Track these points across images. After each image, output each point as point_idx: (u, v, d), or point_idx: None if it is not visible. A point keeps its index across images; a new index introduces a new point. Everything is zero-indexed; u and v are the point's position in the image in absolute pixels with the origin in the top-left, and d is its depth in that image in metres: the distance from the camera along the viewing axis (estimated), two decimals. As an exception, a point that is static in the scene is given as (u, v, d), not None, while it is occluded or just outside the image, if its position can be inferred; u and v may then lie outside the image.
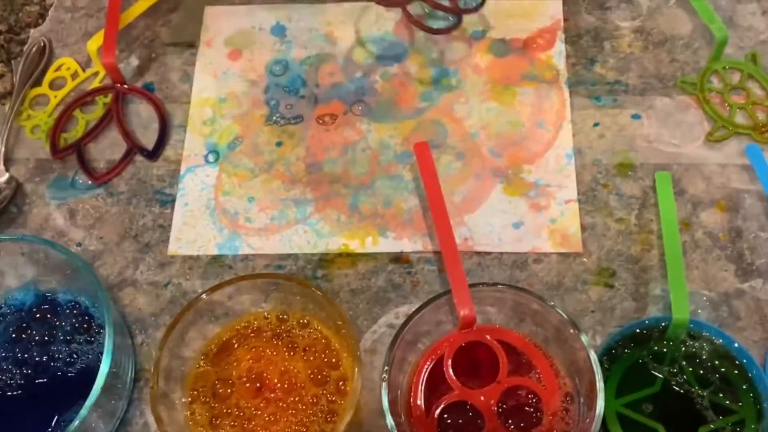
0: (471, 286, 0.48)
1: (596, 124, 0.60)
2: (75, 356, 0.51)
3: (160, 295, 0.55)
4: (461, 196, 0.57)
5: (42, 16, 0.68)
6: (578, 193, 0.57)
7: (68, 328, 0.52)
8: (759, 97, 0.59)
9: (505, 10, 0.65)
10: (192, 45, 0.66)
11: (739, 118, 0.58)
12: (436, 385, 0.48)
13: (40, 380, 0.50)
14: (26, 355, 0.51)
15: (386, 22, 0.65)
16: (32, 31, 0.67)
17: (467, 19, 0.64)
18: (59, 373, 0.51)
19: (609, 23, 0.64)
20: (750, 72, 0.60)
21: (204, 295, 0.49)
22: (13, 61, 0.66)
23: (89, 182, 0.60)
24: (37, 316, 0.53)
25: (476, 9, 0.63)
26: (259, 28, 0.66)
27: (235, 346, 0.51)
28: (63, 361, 0.51)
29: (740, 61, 0.61)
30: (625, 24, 0.64)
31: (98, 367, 0.46)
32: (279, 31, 0.66)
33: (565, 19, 0.64)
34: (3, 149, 0.61)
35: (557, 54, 0.62)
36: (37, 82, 0.64)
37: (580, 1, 0.65)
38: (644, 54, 0.62)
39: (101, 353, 0.47)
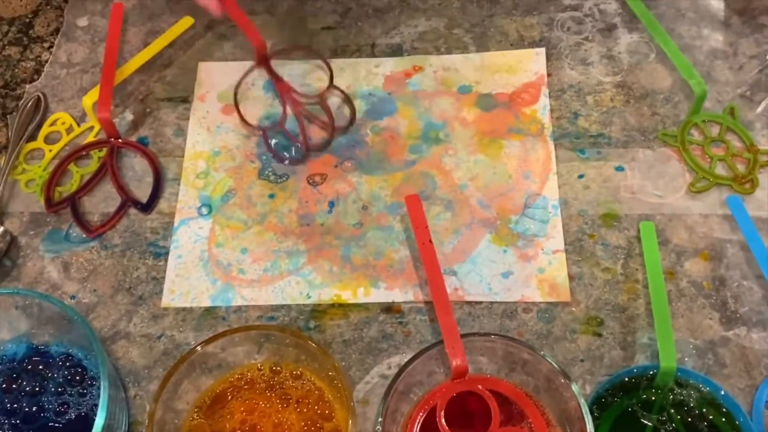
0: (463, 336, 0.49)
1: (581, 176, 0.61)
2: (67, 407, 0.51)
3: (154, 347, 0.55)
4: (451, 246, 0.58)
5: (37, 71, 0.69)
6: (565, 243, 0.58)
7: (60, 379, 0.52)
8: (738, 149, 0.61)
9: (490, 66, 0.66)
10: (186, 100, 0.67)
11: (720, 170, 0.60)
12: None
13: (30, 431, 0.50)
14: (15, 406, 0.51)
15: (376, 77, 0.67)
16: (27, 86, 0.68)
17: (455, 75, 0.66)
18: (50, 424, 0.50)
19: (591, 78, 0.65)
20: (728, 125, 0.62)
21: (198, 348, 0.50)
22: (8, 116, 0.66)
23: (83, 235, 0.60)
24: (29, 367, 0.53)
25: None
26: (251, 83, 0.67)
27: (229, 398, 0.51)
28: (53, 411, 0.51)
29: (719, 114, 0.62)
30: (607, 79, 0.65)
31: (90, 418, 0.46)
32: (271, 86, 0.67)
33: (549, 75, 0.66)
34: None
35: (542, 108, 0.64)
36: (33, 137, 0.65)
37: (563, 57, 0.67)
38: (626, 108, 0.64)
39: (95, 405, 0.47)
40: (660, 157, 0.61)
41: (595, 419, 0.49)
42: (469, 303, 0.56)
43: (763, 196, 0.59)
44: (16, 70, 0.70)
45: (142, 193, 0.62)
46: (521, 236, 0.58)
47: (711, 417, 0.49)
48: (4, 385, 0.52)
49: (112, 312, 0.57)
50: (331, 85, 0.64)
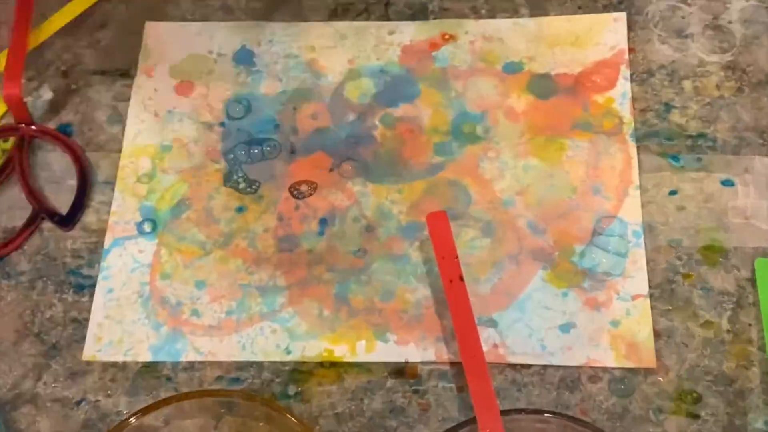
0: (503, 413, 0.48)
1: (673, 192, 0.61)
2: None
3: (71, 416, 0.55)
4: (490, 286, 0.58)
5: None
6: (650, 286, 0.57)
7: None
8: None
9: (549, 36, 0.67)
10: (126, 74, 0.67)
11: None
12: None
13: None
14: None
15: (390, 48, 0.67)
16: None
17: (500, 47, 0.66)
18: None
19: (691, 56, 0.66)
20: None
21: (131, 419, 0.50)
22: None
23: None
24: None
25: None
26: (218, 53, 0.68)
27: None
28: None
29: None
30: (712, 58, 0.66)
31: None
32: (245, 58, 0.68)
33: (631, 50, 0.66)
34: None
35: (620, 96, 0.64)
36: None
37: (651, 25, 0.67)
38: (738, 98, 0.64)
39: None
40: None
41: None
42: (513, 366, 0.56)
43: None
44: None
45: (62, 202, 0.63)
46: (589, 274, 0.58)
47: None
48: None
49: (14, 366, 0.57)
50: None
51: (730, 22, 0.67)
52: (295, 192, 0.62)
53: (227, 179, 0.63)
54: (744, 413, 0.54)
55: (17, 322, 0.59)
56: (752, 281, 0.57)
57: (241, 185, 0.63)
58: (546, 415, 0.50)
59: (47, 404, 0.56)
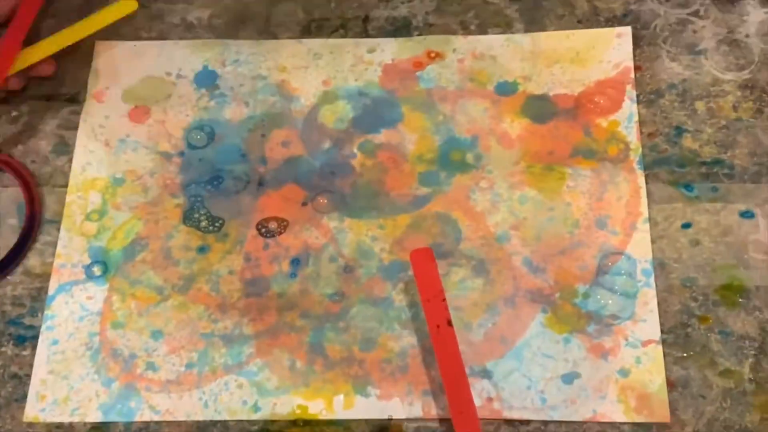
0: None
1: (687, 225, 0.61)
2: None
3: None
4: (482, 332, 0.58)
5: None
6: (662, 331, 0.57)
7: None
8: None
9: (547, 53, 0.67)
10: (74, 99, 0.68)
11: None
12: None
13: None
14: None
15: (369, 68, 0.68)
16: None
17: (493, 66, 0.67)
18: None
19: (704, 74, 0.66)
20: None
21: None
22: None
23: None
24: None
25: None
26: (177, 74, 0.68)
27: None
28: None
29: None
30: (728, 76, 0.66)
31: None
32: (207, 79, 0.68)
33: (638, 68, 0.66)
34: None
35: (626, 119, 0.64)
36: None
37: (660, 41, 0.67)
38: (758, 120, 0.64)
39: None
40: None
41: None
42: (510, 422, 0.56)
43: None
44: None
45: (1, 243, 0.62)
46: (594, 318, 0.58)
47: None
48: None
49: None
50: None
51: (747, 36, 0.67)
52: (264, 229, 0.62)
53: (187, 217, 0.63)
54: None
55: None
56: None
57: (203, 223, 0.63)
58: None
59: None
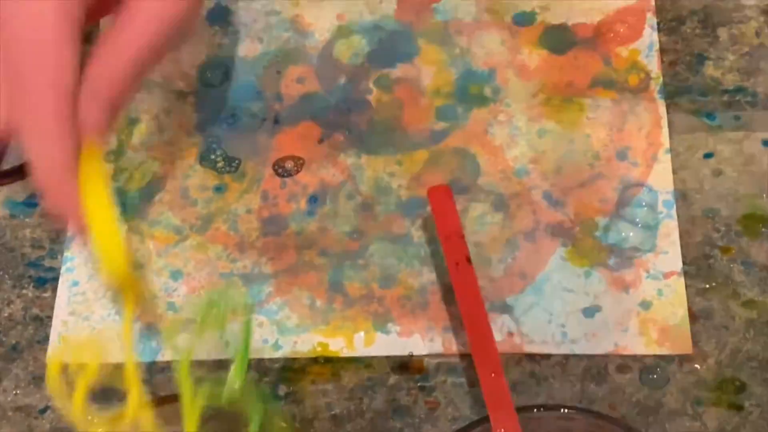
0: (520, 410, 0.49)
1: (709, 155, 0.61)
2: None
3: (35, 426, 0.56)
4: (502, 267, 0.58)
5: None
6: (684, 263, 0.58)
7: None
8: None
9: (565, -20, 0.67)
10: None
11: None
12: None
13: None
14: None
15: (384, 1, 0.67)
16: None
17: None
18: None
19: (726, 0, 0.65)
20: None
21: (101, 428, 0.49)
22: None
23: None
24: None
25: None
26: (190, 12, 0.68)
27: None
28: None
29: None
30: (750, 2, 0.65)
31: None
32: (220, 16, 0.68)
33: (659, -6, 0.66)
34: None
35: (646, 48, 0.64)
36: None
37: (680, -33, 0.67)
38: (783, 45, 0.64)
39: None
40: None
41: None
42: (531, 357, 0.56)
43: None
44: None
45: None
46: (615, 251, 0.58)
47: None
48: None
49: None
50: None
51: None
52: (281, 169, 0.63)
53: (204, 158, 0.63)
54: None
55: None
56: None
57: (219, 164, 0.63)
58: (569, 411, 0.50)
59: (8, 414, 0.56)
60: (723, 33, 0.64)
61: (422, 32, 0.66)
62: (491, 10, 0.66)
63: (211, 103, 0.65)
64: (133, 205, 0.62)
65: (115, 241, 0.49)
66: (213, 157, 0.63)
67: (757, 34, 0.64)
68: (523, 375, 0.55)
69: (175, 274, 0.60)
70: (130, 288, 0.51)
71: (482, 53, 0.65)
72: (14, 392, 0.56)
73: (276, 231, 0.61)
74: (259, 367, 0.57)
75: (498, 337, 0.55)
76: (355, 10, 0.67)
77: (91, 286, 0.59)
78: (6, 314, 0.59)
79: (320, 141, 0.63)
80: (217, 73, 0.66)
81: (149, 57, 0.50)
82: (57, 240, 0.61)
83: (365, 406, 0.55)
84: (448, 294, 0.57)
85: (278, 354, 0.57)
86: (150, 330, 0.58)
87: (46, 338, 0.58)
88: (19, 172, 0.61)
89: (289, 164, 0.63)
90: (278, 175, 0.62)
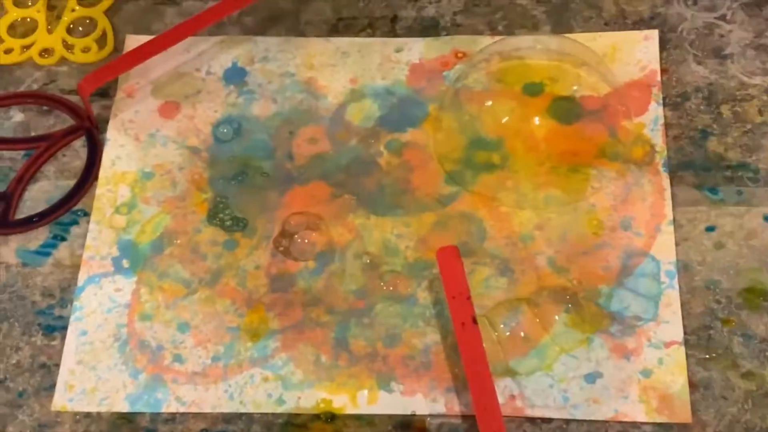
0: None
1: (711, 228, 0.61)
2: None
3: None
4: (507, 330, 0.58)
5: None
6: (685, 332, 0.58)
7: None
8: None
9: (574, 55, 0.67)
10: (105, 94, 0.68)
11: None
12: None
13: None
14: None
15: (396, 67, 0.68)
16: None
17: (520, 67, 0.67)
18: None
19: (730, 78, 0.66)
20: None
21: None
22: None
23: None
24: None
25: None
26: (206, 71, 0.69)
27: None
28: None
29: None
30: (754, 80, 0.66)
31: None
32: (236, 75, 0.69)
33: (664, 71, 0.67)
34: None
35: (652, 122, 0.65)
36: None
37: (686, 44, 0.68)
38: (787, 124, 0.64)
39: None
40: None
41: None
42: (532, 420, 0.56)
43: None
44: None
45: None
46: (617, 318, 0.58)
47: None
48: None
49: None
50: None
51: None
52: (290, 224, 0.63)
53: (212, 216, 0.64)
54: None
55: None
56: None
57: (227, 223, 0.64)
58: None
59: None
60: (726, 110, 0.65)
61: (433, 98, 0.67)
62: (501, 80, 0.67)
63: (223, 160, 0.66)
64: (144, 258, 0.62)
65: None
66: (221, 215, 0.64)
67: (760, 112, 0.65)
68: None
69: (183, 327, 0.60)
70: None
71: (491, 121, 0.65)
72: None
73: (283, 288, 0.61)
74: (262, 422, 0.56)
75: (501, 399, 0.54)
76: (367, 74, 0.68)
77: (99, 335, 0.59)
78: (14, 361, 0.59)
79: (330, 201, 0.63)
80: (230, 131, 0.67)
81: None
82: (67, 290, 0.61)
83: None
84: (451, 354, 0.57)
85: (281, 409, 0.57)
86: (156, 382, 0.58)
87: (53, 385, 0.58)
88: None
89: (299, 228, 0.63)
90: (287, 233, 0.63)
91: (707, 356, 0.57)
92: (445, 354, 0.58)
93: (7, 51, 0.71)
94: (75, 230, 0.64)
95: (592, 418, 0.56)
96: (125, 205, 0.64)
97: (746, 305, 0.59)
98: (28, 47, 0.71)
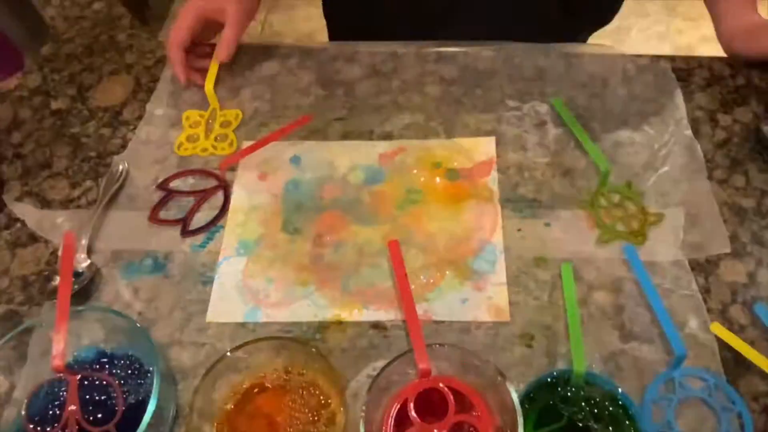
0: (428, 345, 0.50)
1: (519, 230, 0.62)
2: (128, 394, 0.52)
3: (199, 352, 0.56)
4: (424, 280, 0.59)
5: (123, 146, 0.72)
6: (507, 278, 0.58)
7: (123, 374, 0.53)
8: (633, 211, 0.62)
9: (456, 149, 0.68)
10: (233, 169, 0.69)
11: (620, 227, 0.61)
12: (402, 420, 0.49)
13: (101, 414, 0.51)
14: (88, 396, 0.52)
15: (373, 155, 0.68)
16: (115, 157, 0.71)
17: (430, 155, 0.67)
18: (115, 408, 0.51)
19: (528, 159, 0.67)
20: (626, 194, 0.63)
21: (230, 353, 0.51)
22: (99, 179, 0.69)
23: (151, 266, 0.62)
24: (97, 366, 0.54)
25: None
26: (281, 159, 0.69)
27: (255, 391, 0.52)
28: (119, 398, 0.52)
29: (619, 186, 0.64)
30: (539, 160, 0.67)
31: (147, 402, 0.48)
32: (296, 160, 0.69)
33: (498, 156, 0.67)
34: (86, 243, 0.62)
35: (492, 180, 0.65)
36: (114, 195, 0.67)
37: (507, 143, 0.68)
38: (553, 180, 0.65)
39: (149, 393, 0.48)
40: (577, 217, 0.62)
41: (525, 410, 0.50)
42: (436, 322, 0.56)
43: (651, 245, 0.60)
44: (107, 145, 0.72)
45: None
46: (475, 272, 0.59)
47: (611, 409, 0.50)
48: (78, 382, 0.53)
49: (169, 325, 0.58)
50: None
51: (548, 141, 0.68)
52: (320, 231, 0.63)
53: (283, 228, 0.63)
54: (555, 345, 0.55)
55: (171, 301, 0.59)
56: (560, 276, 0.58)
57: (291, 230, 0.63)
58: (448, 347, 0.50)
59: (187, 346, 0.57)
60: (527, 174, 0.64)
61: (389, 170, 0.67)
62: (422, 161, 0.67)
63: (288, 201, 0.65)
64: (250, 248, 0.62)
65: (211, 80, 0.68)
66: (287, 227, 0.63)
67: (542, 175, 0.64)
68: (431, 330, 0.56)
69: (269, 281, 0.59)
70: (212, 97, 0.61)
71: (417, 180, 0.66)
72: (190, 335, 0.57)
73: (318, 261, 0.61)
74: (307, 326, 0.57)
75: (420, 312, 0.56)
76: (358, 159, 0.68)
77: (229, 286, 0.59)
78: (188, 298, 0.59)
79: (340, 218, 0.63)
80: (293, 187, 0.66)
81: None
82: (213, 263, 0.61)
83: (357, 344, 0.55)
84: (398, 292, 0.58)
85: (316, 319, 0.57)
86: (256, 308, 0.58)
87: (206, 310, 0.58)
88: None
89: (325, 228, 0.63)
90: (320, 234, 0.62)
91: (517, 289, 0.58)
92: (395, 292, 0.58)
93: (185, 149, 0.71)
94: (217, 235, 0.64)
95: (463, 320, 0.57)
96: (241, 223, 0.64)
97: (535, 265, 0.60)
98: (195, 147, 0.71)
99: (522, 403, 0.48)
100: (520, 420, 0.45)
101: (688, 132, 0.68)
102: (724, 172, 0.65)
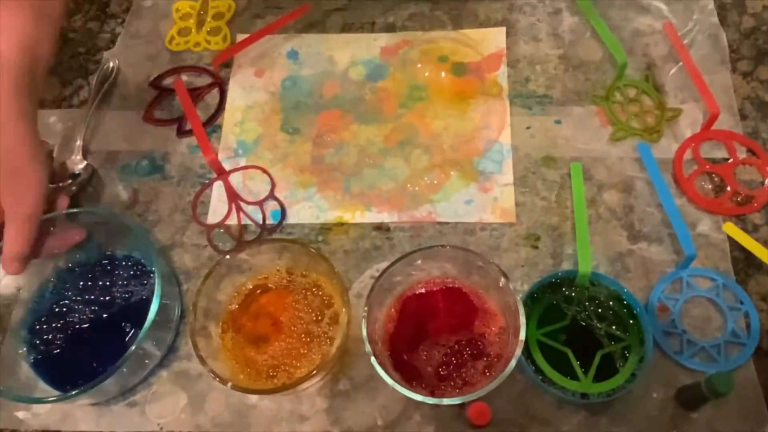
0: (433, 247, 0.48)
1: (528, 127, 0.60)
2: (131, 294, 0.52)
3: (201, 254, 0.56)
4: (428, 181, 0.58)
5: (112, 41, 0.68)
6: (514, 179, 0.57)
7: (125, 275, 0.53)
8: (649, 107, 0.60)
9: (463, 41, 0.65)
10: (227, 65, 0.66)
11: (634, 123, 0.59)
12: (405, 320, 0.49)
13: (105, 314, 0.52)
14: (92, 297, 0.52)
15: (374, 49, 0.65)
16: (105, 53, 0.67)
17: (435, 47, 0.64)
18: (120, 307, 0.52)
19: (540, 51, 0.64)
20: (643, 89, 0.60)
21: (229, 256, 0.50)
22: (89, 76, 0.66)
23: (148, 167, 0.60)
24: (99, 268, 0.54)
25: (278, 225, 0.57)
26: (278, 53, 0.66)
27: (257, 292, 0.52)
28: (122, 298, 0.52)
29: (636, 80, 0.61)
30: (552, 52, 0.64)
31: (150, 301, 0.48)
32: (293, 55, 0.66)
33: (508, 48, 0.64)
34: (81, 143, 0.60)
35: (502, 74, 0.63)
36: (107, 93, 0.64)
37: (519, 34, 0.65)
38: (566, 74, 0.62)
39: (152, 293, 0.48)
40: (589, 113, 0.60)
41: (528, 310, 0.49)
42: (440, 223, 0.56)
43: (666, 143, 0.58)
44: (96, 40, 0.69)
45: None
46: (481, 173, 0.58)
47: (616, 309, 0.50)
48: (81, 284, 0.53)
49: (170, 227, 0.57)
50: (271, 194, 0.58)
51: (563, 31, 0.65)
52: (321, 130, 0.61)
53: (283, 127, 0.62)
54: (561, 245, 0.54)
55: (171, 203, 0.58)
56: (569, 175, 0.57)
57: (290, 130, 0.62)
58: (453, 248, 0.49)
59: (189, 247, 0.56)
60: (538, 67, 0.62)
61: (392, 64, 0.64)
62: (426, 54, 0.64)
63: (286, 98, 0.63)
64: (249, 148, 0.60)
65: None
66: (286, 126, 0.61)
67: (555, 68, 0.62)
68: (435, 232, 0.55)
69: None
70: None
71: (421, 76, 0.63)
72: (192, 237, 0.57)
73: (318, 162, 0.59)
74: (309, 228, 0.56)
75: (425, 214, 0.55)
76: (359, 53, 0.65)
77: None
78: (187, 200, 0.58)
79: (340, 118, 0.62)
80: (290, 84, 0.64)
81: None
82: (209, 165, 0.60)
83: (360, 246, 0.55)
84: (400, 193, 0.57)
85: (318, 221, 0.57)
86: (256, 209, 0.57)
87: (207, 212, 0.57)
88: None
89: (325, 128, 0.61)
90: (320, 133, 0.61)
91: (525, 190, 0.57)
92: (397, 193, 0.57)
93: (177, 44, 0.68)
94: (214, 135, 0.62)
95: (468, 221, 0.56)
96: (239, 122, 0.63)
97: (544, 165, 0.58)
98: (187, 42, 0.68)
99: (525, 303, 0.48)
100: (523, 320, 0.45)
101: (714, 19, 0.63)
102: (749, 63, 0.61)
